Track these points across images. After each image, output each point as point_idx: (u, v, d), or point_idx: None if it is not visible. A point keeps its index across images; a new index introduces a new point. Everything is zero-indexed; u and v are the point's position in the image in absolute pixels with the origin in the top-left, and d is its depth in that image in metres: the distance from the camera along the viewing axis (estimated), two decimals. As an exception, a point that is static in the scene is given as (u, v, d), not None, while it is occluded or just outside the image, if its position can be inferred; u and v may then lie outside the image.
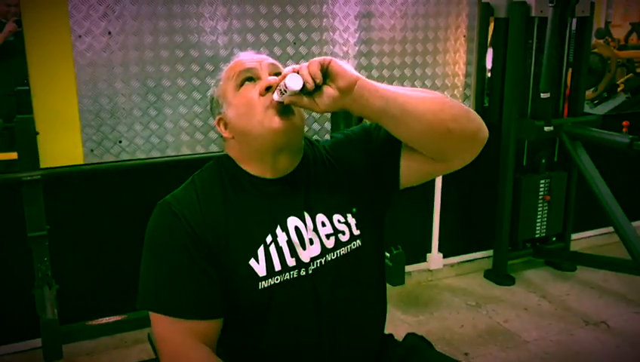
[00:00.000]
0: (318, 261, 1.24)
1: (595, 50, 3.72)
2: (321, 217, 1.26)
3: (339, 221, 1.27)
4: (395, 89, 1.15)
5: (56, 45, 2.36)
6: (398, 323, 2.83)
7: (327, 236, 1.25)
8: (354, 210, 1.29)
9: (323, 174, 1.30)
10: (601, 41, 3.91)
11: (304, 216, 1.25)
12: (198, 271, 1.16)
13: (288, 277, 1.21)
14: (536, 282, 3.33)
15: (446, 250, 3.40)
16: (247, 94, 1.22)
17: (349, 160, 1.32)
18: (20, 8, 2.34)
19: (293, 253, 1.22)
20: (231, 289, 1.19)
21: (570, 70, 3.27)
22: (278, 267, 1.20)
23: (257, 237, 1.21)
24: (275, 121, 1.17)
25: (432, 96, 1.19)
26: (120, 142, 2.50)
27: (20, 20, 2.39)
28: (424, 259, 3.37)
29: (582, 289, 3.24)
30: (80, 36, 2.37)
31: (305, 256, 1.23)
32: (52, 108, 2.38)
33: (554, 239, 3.49)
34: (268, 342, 1.23)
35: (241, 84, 1.24)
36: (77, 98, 2.42)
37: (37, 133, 1.94)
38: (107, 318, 2.28)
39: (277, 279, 1.20)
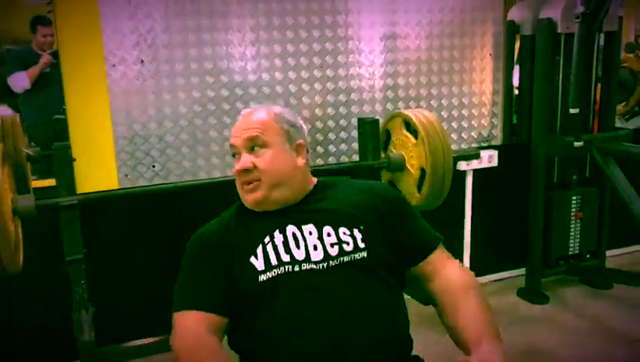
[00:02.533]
0: (320, 265, 1.33)
1: (625, 64, 3.69)
2: (327, 229, 1.37)
3: (344, 233, 1.36)
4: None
5: (92, 75, 2.45)
6: (432, 345, 2.79)
7: (332, 245, 1.35)
8: (361, 227, 1.38)
9: (347, 194, 1.46)
10: (631, 55, 3.87)
11: (301, 227, 1.37)
12: (211, 272, 1.35)
13: (284, 270, 1.32)
14: (572, 300, 3.27)
15: (478, 269, 3.37)
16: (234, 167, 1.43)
17: (386, 212, 1.43)
18: (57, 39, 2.43)
19: (288, 250, 1.34)
20: (239, 287, 1.33)
21: (599, 85, 3.24)
22: (274, 261, 1.32)
23: (257, 239, 1.36)
24: (246, 200, 1.40)
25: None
26: (153, 166, 2.57)
27: (55, 52, 2.48)
28: (456, 278, 3.34)
29: (618, 306, 3.17)
30: (114, 65, 2.45)
31: (299, 254, 1.34)
32: (88, 136, 2.46)
33: (588, 256, 3.43)
34: (273, 331, 1.29)
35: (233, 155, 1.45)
36: (111, 125, 2.49)
37: (74, 160, 2.00)
38: (142, 340, 2.31)
39: (274, 272, 1.32)
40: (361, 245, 1.35)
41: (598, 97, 3.27)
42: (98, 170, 2.48)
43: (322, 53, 2.77)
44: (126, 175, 2.52)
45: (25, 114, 3.60)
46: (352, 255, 1.34)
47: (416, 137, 2.17)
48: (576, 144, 2.99)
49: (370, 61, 2.87)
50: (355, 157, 2.82)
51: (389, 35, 2.87)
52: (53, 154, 1.97)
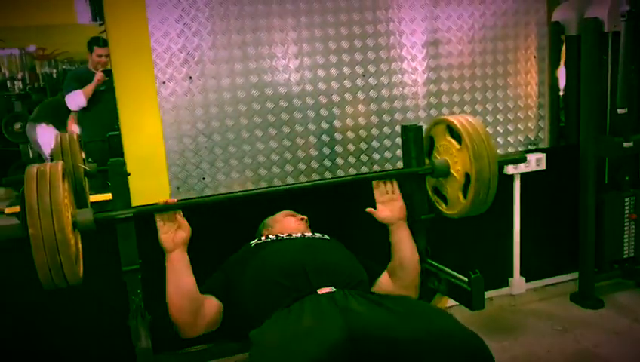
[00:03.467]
0: (296, 236, 2.19)
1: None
2: (307, 233, 2.26)
3: (317, 234, 2.27)
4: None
5: (143, 92, 2.55)
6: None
7: (308, 233, 2.26)
8: (331, 237, 2.25)
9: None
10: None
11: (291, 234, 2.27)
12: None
13: (270, 240, 2.18)
14: (628, 305, 3.18)
15: (529, 274, 3.32)
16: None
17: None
18: (111, 59, 2.55)
19: (276, 236, 2.22)
20: (240, 259, 2.16)
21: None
22: (264, 239, 2.21)
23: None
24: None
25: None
26: (203, 178, 2.65)
27: (108, 70, 2.59)
28: (506, 284, 3.30)
29: (678, 311, 3.07)
30: (164, 82, 2.55)
31: (283, 235, 2.21)
32: (141, 151, 2.56)
33: (644, 259, 3.34)
34: (258, 263, 2.06)
35: None
36: (163, 140, 2.59)
37: (128, 174, 2.09)
38: (195, 347, 2.37)
39: (264, 241, 2.19)
40: (327, 237, 2.24)
41: (649, 96, 3.20)
42: (151, 183, 2.57)
43: (364, 63, 2.80)
44: (177, 188, 2.61)
45: (82, 131, 3.76)
46: (320, 237, 2.21)
47: (459, 142, 2.17)
48: (626, 144, 2.93)
49: (413, 68, 2.88)
50: (400, 165, 2.84)
51: (431, 41, 2.89)
52: (109, 170, 2.05)
